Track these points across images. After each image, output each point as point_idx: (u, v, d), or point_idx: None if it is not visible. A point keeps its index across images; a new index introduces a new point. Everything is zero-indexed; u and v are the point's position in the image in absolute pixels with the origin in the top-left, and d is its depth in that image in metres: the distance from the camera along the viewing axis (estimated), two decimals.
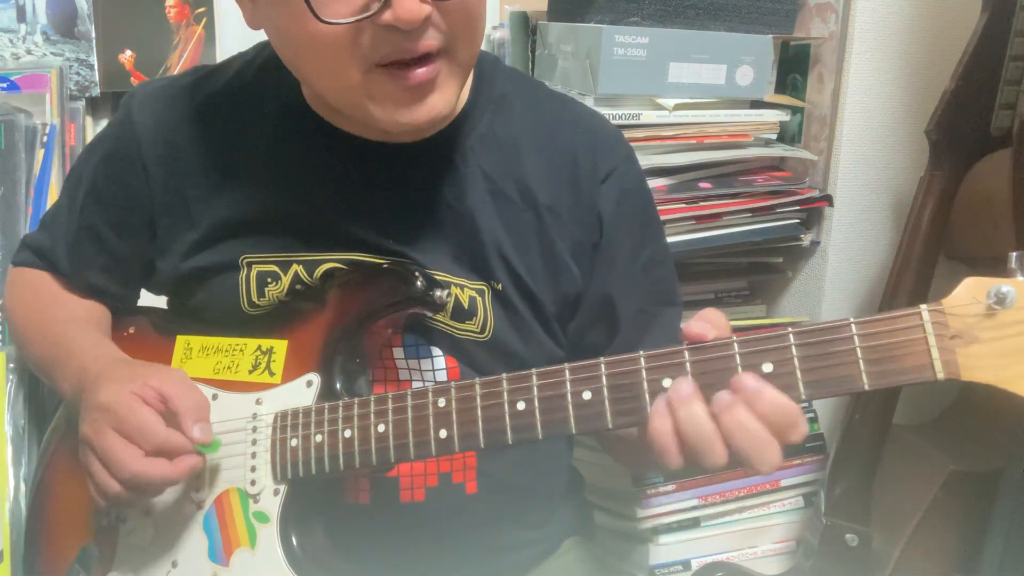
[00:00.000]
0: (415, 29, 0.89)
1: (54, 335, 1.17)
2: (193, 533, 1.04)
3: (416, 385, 1.09)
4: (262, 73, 1.13)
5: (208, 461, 1.03)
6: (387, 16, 0.87)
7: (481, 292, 1.10)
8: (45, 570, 1.16)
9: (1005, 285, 0.74)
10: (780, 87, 1.84)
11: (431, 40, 0.91)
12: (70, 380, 1.11)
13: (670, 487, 1.70)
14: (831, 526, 1.64)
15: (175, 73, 1.23)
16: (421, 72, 0.92)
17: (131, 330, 1.21)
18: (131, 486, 0.97)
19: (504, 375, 0.91)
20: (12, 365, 1.41)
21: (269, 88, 1.11)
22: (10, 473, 1.40)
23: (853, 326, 0.79)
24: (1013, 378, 0.75)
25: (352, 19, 0.88)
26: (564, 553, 1.28)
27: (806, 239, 1.75)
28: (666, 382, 0.85)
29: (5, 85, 1.66)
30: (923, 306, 0.77)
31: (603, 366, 0.87)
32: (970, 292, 0.76)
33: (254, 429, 1.04)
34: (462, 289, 1.09)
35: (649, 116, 1.64)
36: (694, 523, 1.75)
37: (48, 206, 1.60)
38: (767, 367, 0.81)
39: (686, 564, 1.75)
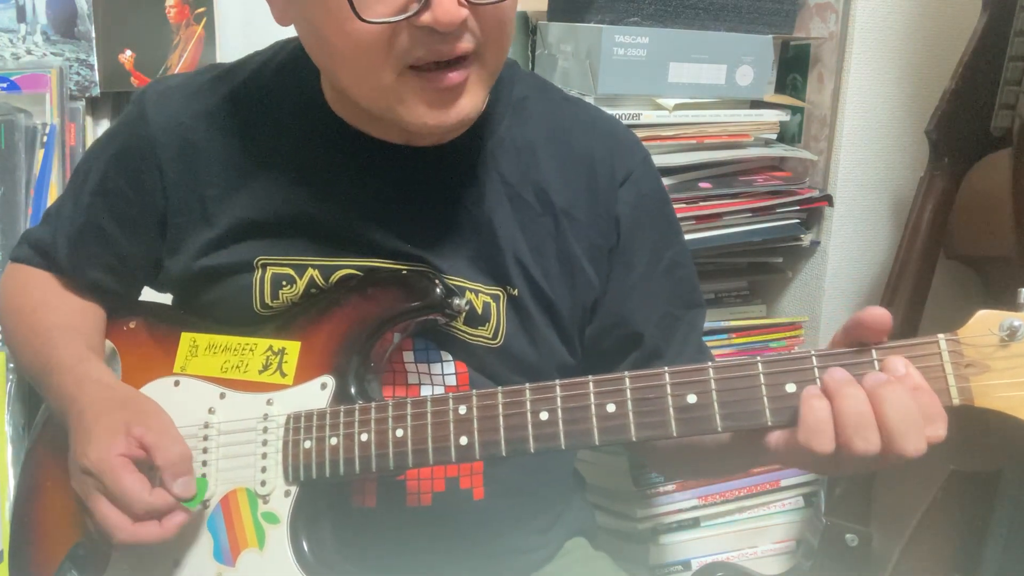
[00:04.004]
0: (452, 32, 0.89)
1: (40, 343, 1.15)
2: (197, 532, 1.04)
3: (426, 389, 1.09)
4: (281, 73, 1.12)
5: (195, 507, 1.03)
6: (426, 18, 0.88)
7: (496, 298, 1.09)
8: (34, 570, 1.15)
9: (1016, 319, 0.80)
10: (780, 87, 1.84)
11: (466, 43, 0.92)
12: (52, 396, 1.11)
13: (670, 487, 1.70)
14: (831, 526, 1.65)
15: (188, 71, 1.22)
16: (454, 75, 0.93)
17: (131, 324, 1.19)
18: (123, 548, 1.00)
19: (527, 385, 0.92)
20: (12, 365, 1.41)
21: (289, 89, 1.11)
22: (10, 473, 1.40)
23: (874, 351, 0.83)
24: (1023, 406, 0.80)
25: (391, 19, 0.89)
26: (566, 555, 1.28)
27: (806, 239, 1.76)
28: (691, 398, 0.87)
29: (5, 85, 1.65)
30: (940, 335, 0.82)
31: (627, 379, 0.89)
32: (983, 324, 0.81)
33: (265, 430, 1.03)
34: (476, 295, 1.08)
35: (649, 116, 1.64)
36: (694, 523, 1.75)
37: (48, 206, 1.60)
38: (790, 387, 0.84)
39: (686, 564, 1.75)
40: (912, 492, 1.63)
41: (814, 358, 0.83)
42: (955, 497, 1.59)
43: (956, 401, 0.81)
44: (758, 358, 0.85)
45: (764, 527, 1.79)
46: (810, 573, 1.68)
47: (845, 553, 1.64)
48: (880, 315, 0.83)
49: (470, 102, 0.96)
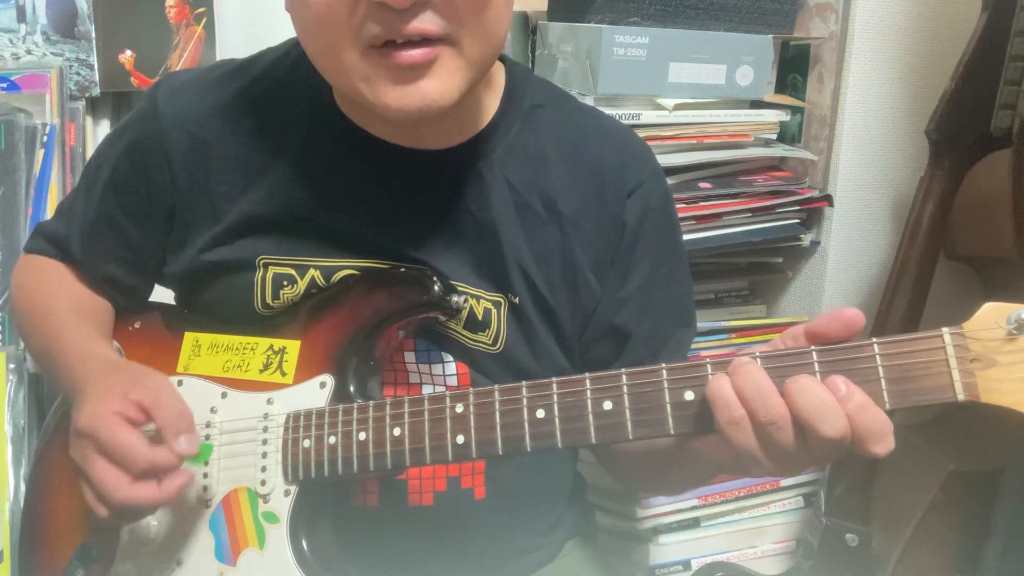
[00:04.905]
0: (407, 9, 0.87)
1: (50, 327, 1.15)
2: (199, 532, 1.04)
3: (427, 389, 1.09)
4: (293, 71, 1.11)
5: (200, 470, 1.02)
6: None
7: (497, 304, 1.09)
8: (41, 568, 1.15)
9: None
10: (780, 87, 1.84)
11: (428, 25, 0.89)
12: (61, 378, 1.11)
13: None
14: (831, 526, 1.65)
15: (201, 67, 1.22)
16: (413, 53, 0.90)
17: (136, 324, 1.20)
18: (121, 512, 0.96)
19: (524, 383, 0.91)
20: (12, 365, 1.41)
21: (299, 87, 1.10)
22: (10, 473, 1.40)
23: (876, 346, 0.81)
24: None
25: None
26: (566, 555, 1.28)
27: (806, 239, 1.76)
28: (688, 395, 0.85)
29: (5, 85, 1.65)
30: (944, 329, 0.79)
31: (624, 376, 0.87)
32: (990, 317, 0.78)
33: (265, 429, 1.03)
34: (478, 300, 1.08)
35: (649, 116, 1.64)
36: (694, 523, 1.75)
37: (48, 206, 1.60)
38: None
39: (686, 564, 1.75)
40: (912, 492, 1.64)
41: (814, 353, 0.82)
42: (955, 497, 1.59)
43: (961, 397, 0.78)
44: (757, 353, 0.83)
45: (764, 527, 1.79)
46: (810, 573, 1.68)
47: (845, 553, 1.64)
48: (857, 319, 0.82)
49: (437, 86, 0.92)
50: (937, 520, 1.60)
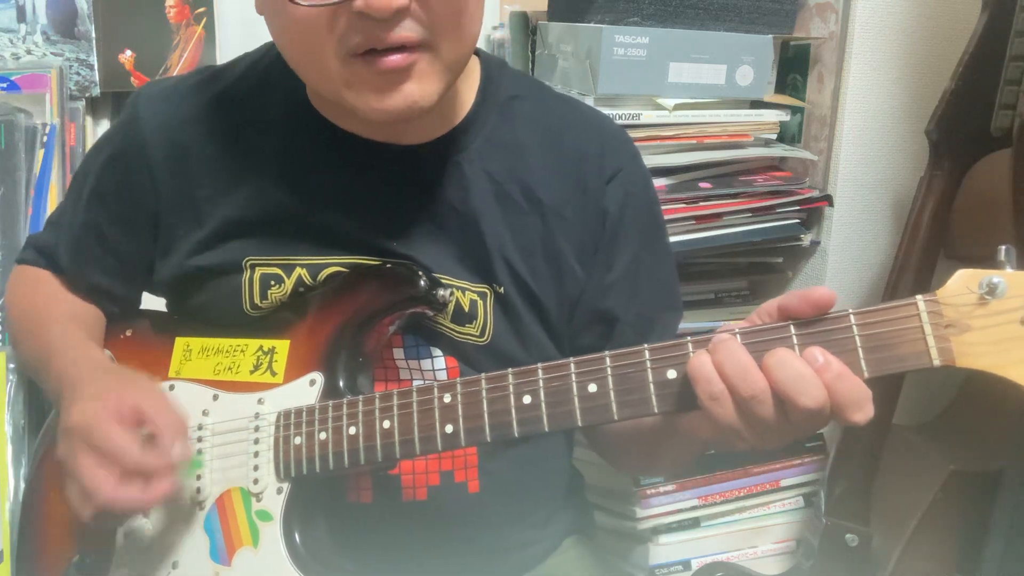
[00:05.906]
0: (388, 19, 0.88)
1: (42, 334, 1.16)
2: (194, 533, 1.04)
3: (417, 384, 1.09)
4: (269, 73, 1.13)
5: (185, 480, 1.01)
6: (358, 3, 0.87)
7: (483, 295, 1.10)
8: (41, 569, 1.15)
9: (996, 276, 0.78)
10: (780, 87, 1.84)
11: (408, 32, 0.91)
12: (51, 382, 1.10)
13: (670, 487, 1.70)
14: (831, 526, 1.65)
15: (181, 73, 1.23)
16: (394, 59, 0.91)
17: (128, 333, 1.20)
18: (104, 512, 0.94)
19: (509, 370, 0.92)
20: (12, 365, 1.41)
21: (276, 89, 1.11)
22: (10, 473, 1.40)
23: (852, 316, 0.82)
24: (1005, 364, 0.79)
25: (324, 3, 0.89)
26: (564, 552, 1.28)
27: (806, 239, 1.75)
28: (670, 373, 0.86)
29: (5, 85, 1.66)
30: (918, 296, 0.81)
31: (608, 359, 0.88)
32: (963, 283, 0.80)
33: (256, 428, 1.04)
34: (463, 292, 1.09)
35: (649, 116, 1.63)
36: (694, 523, 1.75)
37: (48, 206, 1.61)
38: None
39: (686, 564, 1.75)
40: (912, 492, 1.63)
41: (792, 326, 0.83)
42: (955, 497, 1.59)
43: (937, 362, 0.79)
44: (736, 329, 0.84)
45: (764, 527, 1.79)
46: (810, 573, 1.68)
47: (845, 553, 1.64)
48: (828, 300, 0.82)
49: (419, 89, 0.94)
50: (937, 520, 1.60)
